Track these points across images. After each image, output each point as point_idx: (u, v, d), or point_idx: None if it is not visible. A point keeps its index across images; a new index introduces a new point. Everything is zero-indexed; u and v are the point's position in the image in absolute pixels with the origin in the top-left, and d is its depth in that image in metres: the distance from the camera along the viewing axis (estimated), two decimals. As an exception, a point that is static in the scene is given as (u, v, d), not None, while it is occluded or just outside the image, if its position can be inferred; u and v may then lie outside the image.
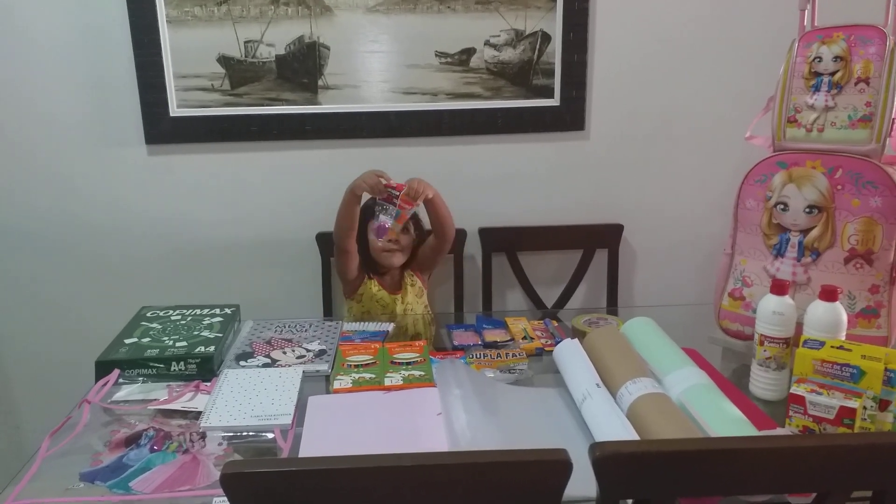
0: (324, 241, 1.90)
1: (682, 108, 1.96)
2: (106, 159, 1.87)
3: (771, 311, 1.19)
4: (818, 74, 1.33)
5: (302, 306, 1.97)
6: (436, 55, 1.86)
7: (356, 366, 1.32)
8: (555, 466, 0.74)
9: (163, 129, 1.84)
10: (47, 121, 1.83)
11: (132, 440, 1.10)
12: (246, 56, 1.82)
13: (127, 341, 1.35)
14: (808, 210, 1.30)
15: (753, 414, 1.10)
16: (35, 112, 1.83)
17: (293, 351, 1.40)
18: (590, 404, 1.08)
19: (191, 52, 1.80)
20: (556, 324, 1.56)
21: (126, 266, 1.95)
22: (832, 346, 1.06)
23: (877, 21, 1.29)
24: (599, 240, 2.01)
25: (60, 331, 1.97)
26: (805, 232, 1.31)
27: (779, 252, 1.35)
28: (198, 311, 1.50)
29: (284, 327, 1.52)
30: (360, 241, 1.68)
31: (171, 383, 1.28)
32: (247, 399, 1.20)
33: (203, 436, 1.11)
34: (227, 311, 1.51)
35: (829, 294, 1.16)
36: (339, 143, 1.90)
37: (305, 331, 1.50)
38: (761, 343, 1.20)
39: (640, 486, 0.78)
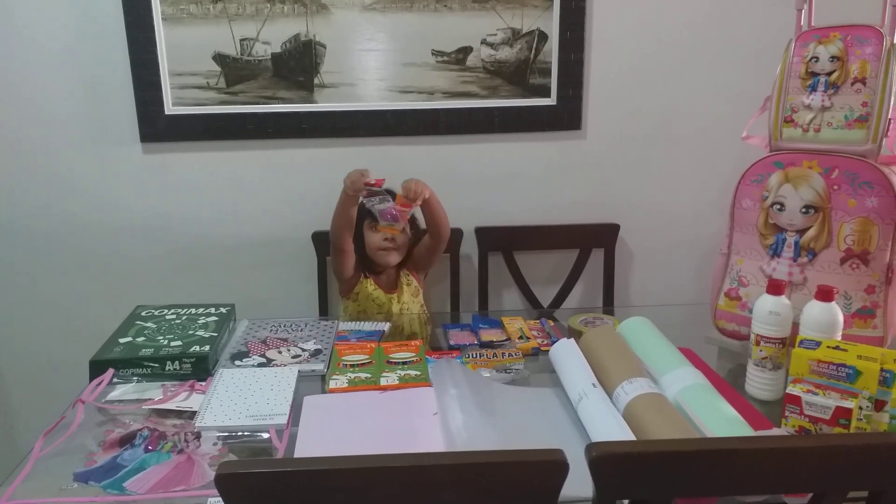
0: (319, 240, 1.90)
1: (679, 107, 1.96)
2: (101, 157, 1.87)
3: (767, 311, 1.19)
4: (815, 74, 1.33)
5: (297, 306, 1.96)
6: (432, 54, 1.85)
7: (352, 365, 1.32)
8: (551, 467, 0.73)
9: (158, 127, 1.84)
10: (42, 119, 1.82)
11: (126, 440, 1.10)
12: (242, 54, 1.81)
13: (121, 340, 1.34)
14: (804, 210, 1.30)
15: (750, 414, 1.10)
16: (30, 110, 1.82)
17: (289, 350, 1.40)
18: (586, 404, 1.08)
19: (186, 49, 1.79)
20: (552, 323, 1.56)
21: (121, 265, 1.94)
22: (828, 347, 1.06)
23: (873, 21, 1.29)
24: (596, 239, 2.01)
25: (54, 330, 1.96)
26: (801, 232, 1.31)
27: (775, 252, 1.35)
28: (193, 311, 1.49)
29: (280, 327, 1.52)
30: (356, 240, 1.68)
31: (165, 383, 1.27)
32: (242, 399, 1.19)
33: (198, 436, 1.11)
34: (223, 310, 1.50)
35: (825, 294, 1.16)
36: (336, 141, 1.90)
37: (301, 330, 1.50)
38: (757, 343, 1.20)
39: (636, 487, 0.78)
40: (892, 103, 1.25)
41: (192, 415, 1.16)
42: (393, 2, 1.81)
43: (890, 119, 1.26)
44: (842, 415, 0.99)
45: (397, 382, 1.25)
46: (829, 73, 1.31)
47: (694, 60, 1.93)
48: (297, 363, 1.34)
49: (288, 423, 1.13)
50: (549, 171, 1.98)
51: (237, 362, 1.35)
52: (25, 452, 1.06)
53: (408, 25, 1.83)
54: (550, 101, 1.91)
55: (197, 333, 1.38)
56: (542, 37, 1.87)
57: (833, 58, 1.30)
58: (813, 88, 1.33)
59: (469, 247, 1.99)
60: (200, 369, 1.29)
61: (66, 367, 1.62)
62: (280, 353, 1.39)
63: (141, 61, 1.78)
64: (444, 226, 1.69)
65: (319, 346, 1.41)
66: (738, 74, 1.92)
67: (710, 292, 1.47)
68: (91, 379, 1.25)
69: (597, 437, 1.02)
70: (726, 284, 1.43)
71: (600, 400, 1.08)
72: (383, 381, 1.25)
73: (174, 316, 1.46)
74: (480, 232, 1.97)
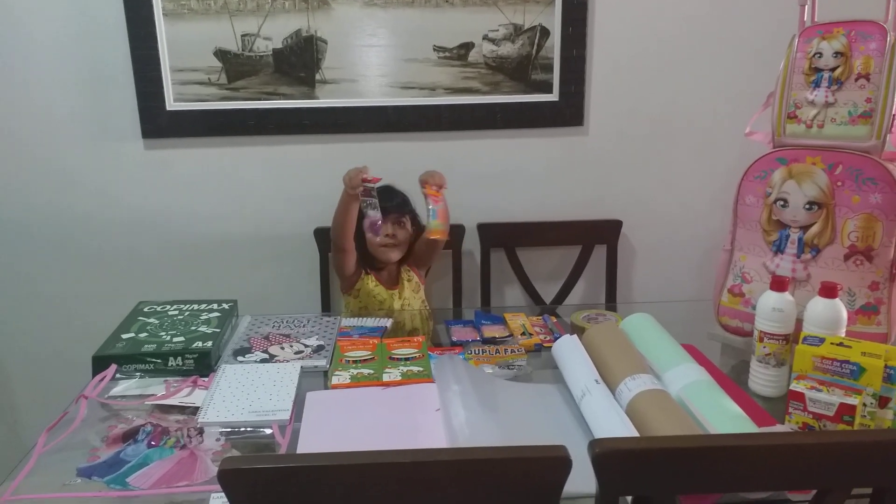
0: (322, 236, 1.90)
1: (681, 103, 1.95)
2: (102, 153, 1.86)
3: (770, 308, 1.18)
4: (818, 70, 1.32)
5: (300, 301, 1.96)
6: (434, 49, 1.85)
7: (354, 361, 1.32)
8: (554, 463, 0.73)
9: (159, 123, 1.83)
10: (43, 115, 1.82)
11: (129, 435, 1.10)
12: (243, 50, 1.81)
13: (124, 336, 1.34)
14: (807, 206, 1.30)
15: (753, 410, 1.10)
16: (31, 106, 1.81)
17: (291, 346, 1.40)
18: (589, 401, 1.08)
19: (187, 45, 1.79)
20: (554, 320, 1.56)
21: (123, 261, 1.94)
22: (832, 343, 1.06)
23: (877, 17, 1.28)
24: (598, 236, 2.01)
25: (57, 326, 1.96)
26: (805, 228, 1.31)
27: (778, 248, 1.35)
28: (195, 307, 1.49)
29: (282, 323, 1.52)
30: (357, 236, 1.68)
31: (168, 378, 1.27)
32: (244, 394, 1.19)
33: (201, 431, 1.11)
34: (225, 306, 1.50)
35: (828, 291, 1.15)
36: (337, 137, 1.89)
37: (303, 326, 1.50)
38: (761, 339, 1.20)
39: (639, 483, 0.78)
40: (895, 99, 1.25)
41: (194, 410, 1.16)
42: (395, -3, 1.81)
43: (894, 115, 1.25)
44: (845, 411, 0.98)
45: (400, 378, 1.25)
46: (833, 69, 1.30)
47: (697, 56, 1.92)
48: (299, 359, 1.34)
49: (290, 418, 1.13)
50: (551, 167, 1.98)
51: (240, 358, 1.35)
52: (29, 448, 1.06)
53: (409, 21, 1.82)
54: (552, 97, 1.91)
55: (199, 329, 1.38)
56: (544, 32, 1.86)
57: (837, 53, 1.30)
58: (816, 84, 1.32)
59: (471, 243, 1.99)
60: (203, 365, 1.29)
61: (68, 362, 1.62)
62: (282, 349, 1.39)
63: (142, 57, 1.78)
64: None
65: (322, 342, 1.41)
66: (742, 70, 1.91)
67: (713, 289, 1.46)
68: (94, 374, 1.25)
69: (600, 433, 1.02)
70: (729, 281, 1.43)
71: (603, 396, 1.07)
72: (386, 377, 1.25)
73: (177, 312, 1.46)
74: (483, 228, 1.97)
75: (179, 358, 1.28)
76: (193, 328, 1.38)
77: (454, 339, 1.45)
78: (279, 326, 1.50)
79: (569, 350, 1.23)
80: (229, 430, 1.11)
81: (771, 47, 1.54)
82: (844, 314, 1.16)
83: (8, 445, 2.00)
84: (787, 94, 1.36)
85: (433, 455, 0.77)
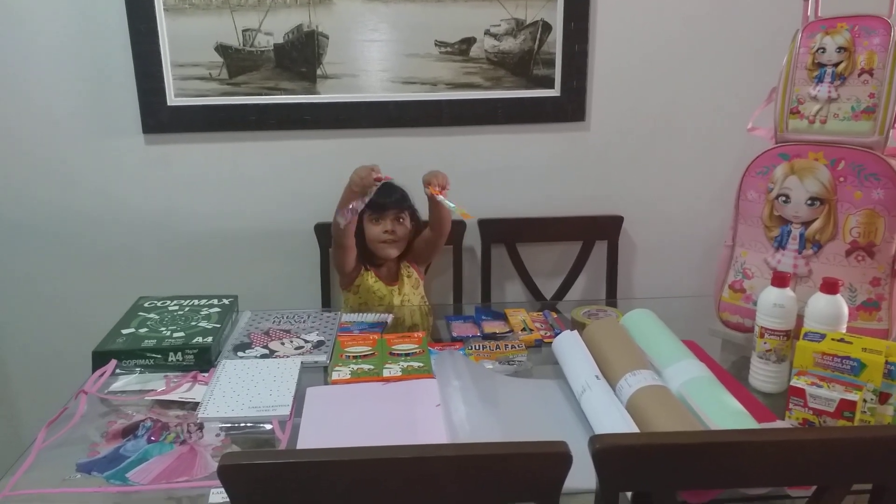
0: (322, 231, 1.89)
1: (683, 98, 1.95)
2: (103, 149, 1.86)
3: (772, 304, 1.18)
4: (821, 65, 1.32)
5: (300, 297, 1.96)
6: (435, 44, 1.84)
7: (355, 357, 1.32)
8: (554, 459, 0.73)
9: (160, 118, 1.83)
10: (44, 111, 1.82)
11: (129, 431, 1.10)
12: (244, 45, 1.81)
13: (124, 332, 1.34)
14: (809, 202, 1.30)
15: (753, 406, 1.09)
16: (31, 102, 1.81)
17: (291, 342, 1.40)
18: (589, 396, 1.08)
19: (188, 40, 1.78)
20: (555, 315, 1.56)
21: (123, 256, 1.94)
22: (833, 339, 1.05)
23: (881, 12, 1.27)
24: (599, 231, 2.00)
25: (57, 321, 1.96)
26: (807, 224, 1.31)
27: (780, 244, 1.34)
28: (195, 302, 1.49)
29: (282, 318, 1.52)
30: (356, 233, 1.67)
31: (168, 374, 1.27)
32: (245, 390, 1.19)
33: (200, 427, 1.11)
34: (225, 301, 1.50)
35: (830, 286, 1.15)
36: (338, 133, 1.89)
37: (304, 322, 1.50)
38: (761, 335, 1.20)
39: (639, 479, 0.78)
40: (899, 94, 1.24)
41: (194, 406, 1.16)
42: (396, -8, 1.80)
43: (897, 110, 1.25)
44: (846, 407, 0.98)
45: (400, 374, 1.25)
46: (836, 64, 1.30)
47: (699, 52, 1.91)
48: (299, 354, 1.34)
49: (291, 414, 1.13)
50: (552, 162, 1.97)
51: (240, 353, 1.35)
52: (28, 443, 1.06)
53: (411, 16, 1.82)
54: (554, 92, 1.90)
55: (200, 325, 1.38)
56: (546, 27, 1.86)
57: (840, 48, 1.29)
58: (819, 79, 1.32)
59: (472, 238, 1.98)
60: (203, 360, 1.29)
61: (68, 358, 1.62)
62: (283, 344, 1.39)
63: (143, 52, 1.78)
64: (446, 222, 1.69)
65: (322, 338, 1.41)
66: (744, 66, 1.90)
67: (714, 284, 1.46)
68: (94, 370, 1.25)
69: (600, 429, 1.01)
70: (731, 276, 1.42)
71: (603, 392, 1.07)
72: (386, 373, 1.25)
73: (177, 307, 1.46)
74: (483, 224, 1.96)
75: (179, 353, 1.28)
76: (193, 323, 1.38)
77: (454, 334, 1.45)
78: (279, 322, 1.50)
79: (569, 346, 1.23)
80: (229, 425, 1.11)
81: (774, 42, 1.53)
82: (845, 310, 1.15)
83: (7, 441, 2.00)
84: (790, 89, 1.36)
85: (434, 451, 0.77)
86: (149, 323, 1.38)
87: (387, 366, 1.28)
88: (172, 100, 1.82)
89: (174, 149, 1.88)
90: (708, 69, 1.93)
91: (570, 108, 1.92)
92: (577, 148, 1.97)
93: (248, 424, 1.12)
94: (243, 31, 1.80)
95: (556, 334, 1.32)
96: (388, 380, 1.23)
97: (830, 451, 0.77)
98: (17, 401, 2.03)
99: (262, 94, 1.84)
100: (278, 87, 1.84)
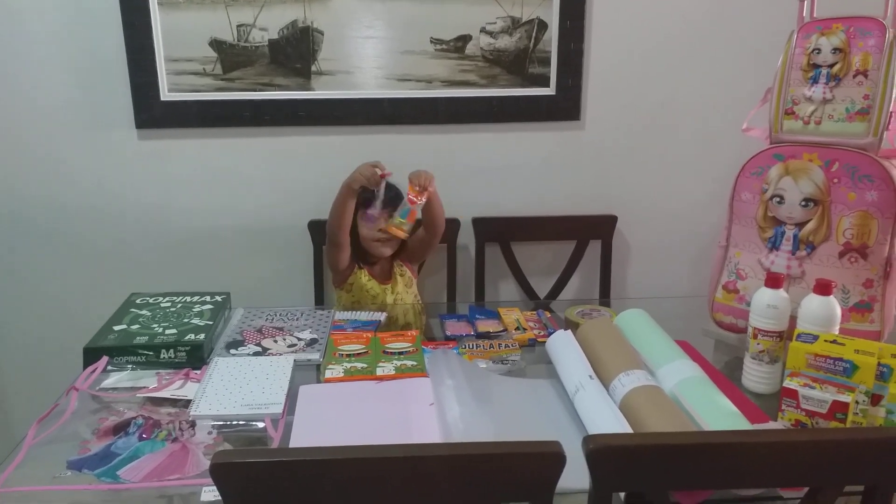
0: (316, 229, 1.89)
1: (679, 98, 1.95)
2: (96, 144, 1.85)
3: (765, 305, 1.18)
4: (816, 66, 1.32)
5: (293, 295, 1.96)
6: (431, 42, 1.84)
7: (348, 355, 1.31)
8: (548, 459, 0.73)
9: (153, 113, 1.82)
10: (36, 105, 1.80)
11: (120, 428, 1.09)
12: (238, 40, 1.80)
13: (116, 328, 1.33)
14: (803, 203, 1.30)
15: (746, 407, 1.10)
16: (24, 96, 1.80)
17: (284, 339, 1.39)
18: (583, 396, 1.08)
19: (182, 35, 1.77)
20: (549, 315, 1.55)
21: (115, 252, 1.93)
22: (826, 341, 1.06)
23: (876, 13, 1.28)
24: (593, 231, 2.00)
25: (48, 317, 1.95)
26: (800, 225, 1.31)
27: (774, 245, 1.35)
28: (188, 299, 1.48)
29: (275, 316, 1.51)
30: (351, 231, 1.67)
31: (160, 371, 1.26)
32: (237, 388, 1.19)
33: (192, 424, 1.10)
34: (218, 298, 1.49)
35: (823, 288, 1.16)
36: (332, 129, 1.88)
37: (297, 319, 1.49)
38: (755, 336, 1.20)
39: (632, 479, 0.78)
40: (893, 96, 1.24)
41: (186, 403, 1.16)
42: (392, -11, 1.79)
43: (891, 112, 1.25)
44: (838, 409, 0.98)
45: (393, 372, 1.25)
46: (831, 65, 1.30)
47: (695, 52, 1.92)
48: (292, 352, 1.34)
49: (283, 412, 1.13)
50: (547, 161, 1.97)
51: (232, 351, 1.34)
52: (19, 440, 1.05)
53: (406, 13, 1.81)
54: (549, 90, 1.90)
55: (192, 322, 1.37)
56: (542, 26, 1.85)
57: (835, 49, 1.29)
58: (814, 80, 1.32)
59: (466, 237, 1.98)
60: (195, 358, 1.28)
61: (59, 354, 1.61)
62: (276, 342, 1.38)
63: (136, 47, 1.76)
64: (439, 222, 1.68)
65: (315, 336, 1.41)
66: (740, 66, 1.91)
67: (707, 285, 1.46)
68: (85, 366, 1.24)
69: (593, 429, 1.01)
70: (724, 277, 1.43)
71: (597, 392, 1.07)
72: (379, 371, 1.25)
73: (169, 304, 1.46)
74: (478, 222, 1.96)
75: (171, 350, 1.27)
76: (186, 320, 1.38)
77: (448, 333, 1.45)
78: (272, 319, 1.49)
79: (563, 345, 1.23)
80: (221, 423, 1.11)
81: (769, 43, 1.53)
82: (838, 311, 1.16)
83: (-2, 437, 1.99)
84: (785, 90, 1.36)
85: (427, 450, 0.77)
86: (141, 319, 1.37)
87: (380, 364, 1.27)
88: (166, 95, 1.81)
89: (167, 144, 1.87)
90: (703, 69, 1.93)
91: (565, 106, 1.92)
92: (571, 147, 1.96)
93: (241, 422, 1.11)
94: (238, 26, 1.79)
95: (550, 334, 1.32)
96: (381, 378, 1.23)
97: (823, 453, 0.78)
98: (7, 397, 2.02)
99: (256, 90, 1.83)
100: (272, 83, 1.83)
